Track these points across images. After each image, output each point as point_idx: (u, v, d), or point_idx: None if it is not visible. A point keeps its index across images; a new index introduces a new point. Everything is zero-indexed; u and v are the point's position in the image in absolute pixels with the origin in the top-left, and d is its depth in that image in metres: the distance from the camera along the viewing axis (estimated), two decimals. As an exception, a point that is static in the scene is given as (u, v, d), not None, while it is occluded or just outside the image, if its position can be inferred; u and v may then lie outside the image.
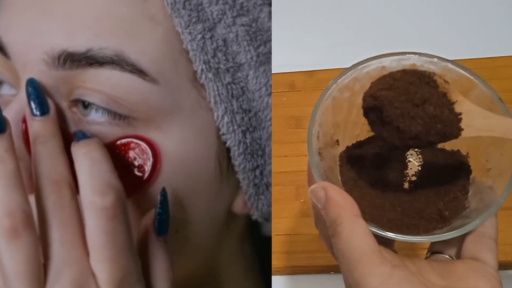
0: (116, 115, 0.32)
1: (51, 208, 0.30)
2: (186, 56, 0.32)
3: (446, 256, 0.34)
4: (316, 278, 0.53)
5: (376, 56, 0.36)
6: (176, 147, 0.33)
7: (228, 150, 0.34)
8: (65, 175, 0.30)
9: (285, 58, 0.66)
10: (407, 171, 0.38)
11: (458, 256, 0.33)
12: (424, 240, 0.32)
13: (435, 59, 0.36)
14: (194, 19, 0.32)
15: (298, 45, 0.72)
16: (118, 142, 0.32)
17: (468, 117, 0.32)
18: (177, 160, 0.33)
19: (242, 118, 0.34)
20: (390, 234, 0.31)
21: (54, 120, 0.32)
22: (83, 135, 0.31)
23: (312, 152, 0.34)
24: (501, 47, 0.65)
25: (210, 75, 0.32)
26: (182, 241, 0.35)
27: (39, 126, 0.31)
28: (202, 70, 0.32)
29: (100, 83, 0.31)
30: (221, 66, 0.33)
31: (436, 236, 0.32)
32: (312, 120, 0.34)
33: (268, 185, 0.36)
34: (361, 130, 0.38)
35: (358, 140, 0.39)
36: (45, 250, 0.29)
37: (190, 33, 0.32)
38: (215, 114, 0.33)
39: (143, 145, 0.32)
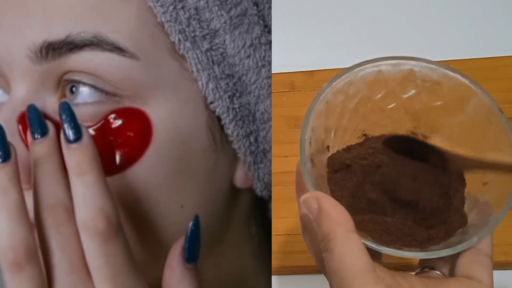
0: (103, 93, 0.32)
1: (48, 233, 0.30)
2: (162, 30, 0.33)
3: (438, 273, 0.33)
4: (316, 278, 0.53)
5: (372, 60, 0.35)
6: (164, 119, 0.33)
7: (219, 120, 0.35)
8: (61, 197, 0.31)
9: (285, 58, 0.65)
10: (400, 182, 0.36)
11: (451, 272, 0.32)
12: (420, 256, 0.31)
13: (434, 66, 0.35)
14: None
15: (298, 45, 0.72)
16: (109, 117, 0.33)
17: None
18: (167, 131, 0.33)
19: (227, 83, 0.34)
20: (384, 249, 0.30)
21: (53, 140, 0.32)
22: (75, 133, 0.31)
23: (305, 158, 0.33)
24: (501, 47, 0.65)
25: (188, 44, 0.33)
26: (190, 217, 0.35)
27: (37, 148, 0.31)
28: (179, 40, 0.33)
29: (83, 66, 0.32)
30: (197, 33, 0.33)
31: (432, 252, 0.30)
32: (305, 125, 0.34)
33: (265, 152, 0.37)
34: (351, 136, 0.37)
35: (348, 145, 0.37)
36: (48, 276, 0.30)
37: (161, 5, 0.33)
38: (200, 83, 0.34)
39: (133, 116, 0.33)
